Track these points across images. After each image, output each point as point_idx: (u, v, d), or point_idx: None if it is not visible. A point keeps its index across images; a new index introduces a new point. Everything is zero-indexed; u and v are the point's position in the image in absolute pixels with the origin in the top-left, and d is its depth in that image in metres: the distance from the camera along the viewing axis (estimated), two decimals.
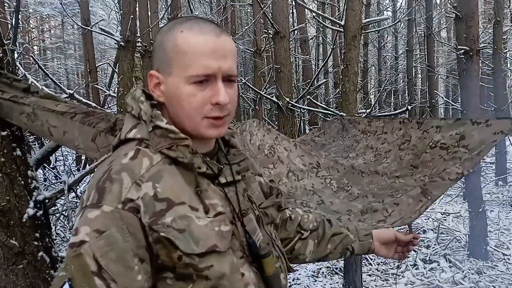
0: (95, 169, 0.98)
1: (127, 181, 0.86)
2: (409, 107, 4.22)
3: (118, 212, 0.83)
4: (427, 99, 10.60)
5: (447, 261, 5.40)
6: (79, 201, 4.28)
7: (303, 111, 8.24)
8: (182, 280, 0.87)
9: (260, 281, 0.96)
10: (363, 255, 4.70)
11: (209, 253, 0.87)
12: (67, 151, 9.68)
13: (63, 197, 2.21)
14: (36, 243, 1.92)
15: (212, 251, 0.87)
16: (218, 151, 1.03)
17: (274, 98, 5.94)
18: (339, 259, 5.38)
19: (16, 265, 1.85)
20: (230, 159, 1.02)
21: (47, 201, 2.02)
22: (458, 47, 5.38)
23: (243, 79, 8.46)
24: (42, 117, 1.87)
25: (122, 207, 0.83)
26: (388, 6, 15.43)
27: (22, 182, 1.91)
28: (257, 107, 9.01)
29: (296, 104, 5.26)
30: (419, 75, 17.93)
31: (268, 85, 8.87)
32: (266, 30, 8.78)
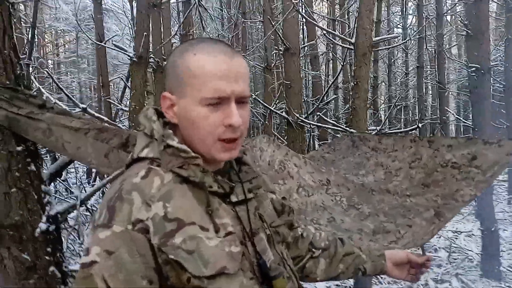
0: (107, 185, 1.00)
1: (137, 201, 0.86)
2: (420, 125, 4.21)
3: (128, 233, 0.84)
4: (438, 116, 10.55)
5: (459, 281, 5.29)
6: (89, 215, 4.30)
7: (312, 127, 8.25)
8: None
9: None
10: (374, 275, 4.63)
11: (219, 275, 0.87)
12: (78, 164, 9.78)
13: (74, 211, 2.24)
14: (47, 258, 1.94)
15: (221, 273, 0.87)
16: (229, 169, 1.03)
17: (284, 114, 5.96)
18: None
19: (27, 280, 1.87)
20: (241, 177, 1.02)
21: (59, 215, 2.04)
22: (470, 64, 5.37)
23: (253, 94, 8.51)
24: (57, 133, 1.91)
25: (132, 227, 0.84)
26: (398, 23, 15.48)
27: (36, 197, 1.94)
28: (266, 122, 9.03)
29: (306, 120, 5.26)
30: (430, 92, 17.87)
31: (278, 101, 8.90)
32: (276, 47, 8.87)
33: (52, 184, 6.41)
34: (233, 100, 0.91)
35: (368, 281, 4.29)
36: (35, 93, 2.56)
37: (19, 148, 1.91)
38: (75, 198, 2.13)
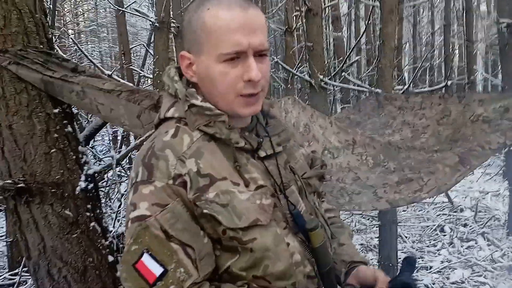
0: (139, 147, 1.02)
1: (172, 157, 0.89)
2: (448, 83, 4.11)
3: (170, 187, 0.87)
4: (465, 75, 10.25)
5: (485, 240, 5.31)
6: (118, 178, 4.43)
7: (335, 89, 8.14)
8: (228, 252, 0.91)
9: (306, 250, 0.97)
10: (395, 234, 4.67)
11: (252, 227, 0.90)
12: (104, 132, 10.01)
13: (111, 171, 2.34)
14: (88, 214, 2.04)
15: (255, 225, 0.90)
16: (257, 124, 1.03)
17: (306, 77, 5.89)
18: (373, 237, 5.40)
19: (71, 234, 1.98)
20: (269, 131, 1.02)
21: (96, 175, 2.13)
22: (500, 20, 5.15)
23: (274, 58, 8.38)
24: (91, 95, 1.96)
25: (173, 182, 0.87)
26: None
27: (74, 157, 2.02)
28: (289, 85, 8.96)
29: (330, 82, 5.20)
30: (456, 52, 17.27)
31: (299, 64, 8.78)
32: (297, 8, 8.65)
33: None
34: (251, 53, 0.90)
35: (393, 239, 4.35)
36: None
37: (56, 111, 1.97)
38: (111, 158, 2.21)
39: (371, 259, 4.93)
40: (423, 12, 15.22)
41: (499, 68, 7.98)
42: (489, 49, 14.46)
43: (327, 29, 10.79)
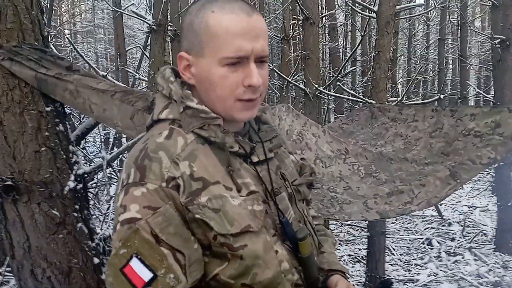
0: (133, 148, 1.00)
1: (165, 160, 0.87)
2: (441, 96, 4.15)
3: (162, 190, 0.85)
4: (458, 90, 10.36)
5: (472, 254, 5.33)
6: (113, 176, 4.38)
7: (329, 99, 8.18)
8: (217, 258, 0.89)
9: (293, 258, 0.97)
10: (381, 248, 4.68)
11: (243, 233, 0.88)
12: (96, 133, 9.93)
13: (101, 172, 2.31)
14: (75, 214, 2.01)
15: (246, 231, 0.88)
16: (249, 129, 1.02)
17: (301, 85, 5.91)
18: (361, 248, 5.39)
19: (57, 235, 1.95)
20: (262, 136, 1.02)
21: (86, 175, 2.10)
22: (494, 36, 5.23)
23: (270, 65, 8.42)
24: (84, 94, 1.95)
25: (166, 185, 0.85)
26: None
27: (64, 156, 2.00)
28: (283, 93, 8.99)
29: (325, 91, 5.23)
30: (450, 66, 17.47)
31: (295, 72, 8.82)
32: (295, 16, 8.72)
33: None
34: (252, 59, 0.89)
35: (381, 251, 4.36)
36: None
37: (48, 109, 1.96)
38: (102, 159, 2.19)
39: (359, 271, 4.93)
40: (418, 26, 15.40)
41: (492, 83, 8.09)
42: (483, 65, 14.65)
43: (324, 39, 10.86)
